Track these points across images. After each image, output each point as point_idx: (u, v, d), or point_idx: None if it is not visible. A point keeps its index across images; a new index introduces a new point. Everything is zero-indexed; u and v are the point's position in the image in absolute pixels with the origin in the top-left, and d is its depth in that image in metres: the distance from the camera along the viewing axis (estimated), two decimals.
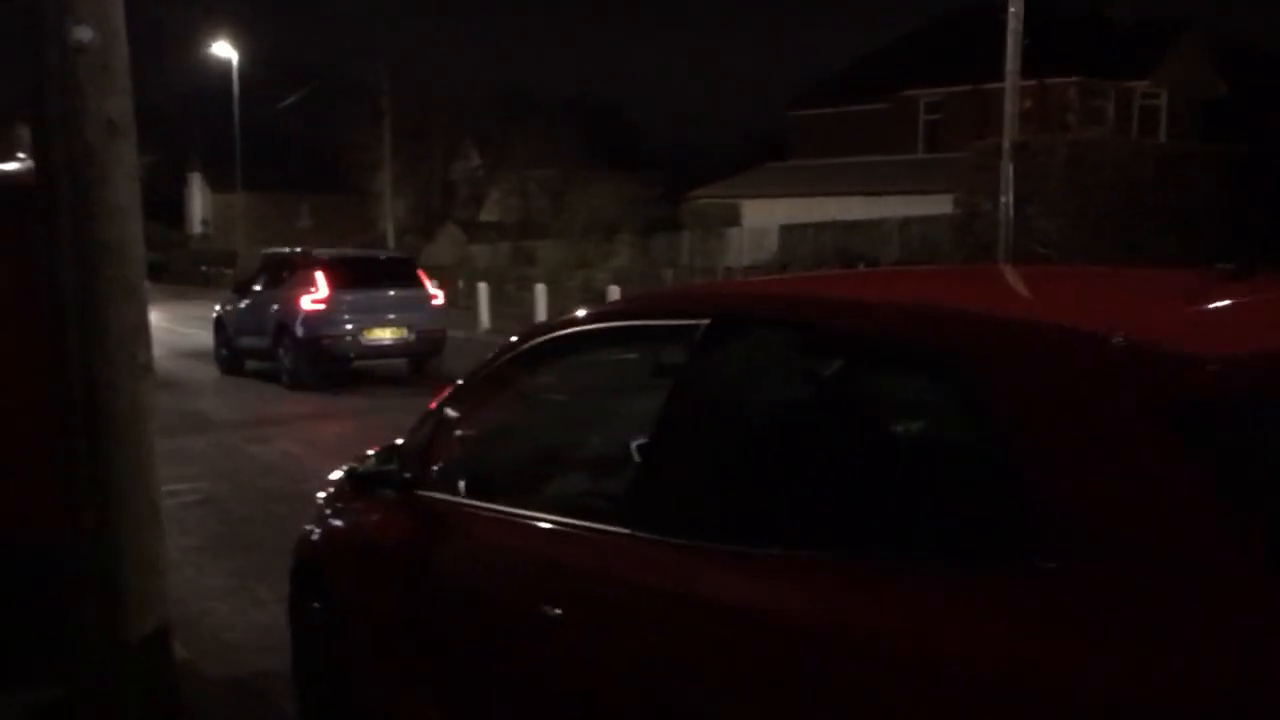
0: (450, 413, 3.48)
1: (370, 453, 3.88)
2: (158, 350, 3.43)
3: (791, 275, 5.51)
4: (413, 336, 15.34)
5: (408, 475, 3.44)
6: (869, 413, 2.49)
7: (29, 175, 4.14)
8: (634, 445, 3.26)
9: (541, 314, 23.67)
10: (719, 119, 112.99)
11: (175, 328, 26.90)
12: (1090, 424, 1.85)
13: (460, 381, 3.54)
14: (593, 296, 28.21)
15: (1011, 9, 18.07)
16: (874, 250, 24.92)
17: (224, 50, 45.26)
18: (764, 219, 30.59)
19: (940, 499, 2.12)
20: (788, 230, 27.99)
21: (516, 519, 2.98)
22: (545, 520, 2.88)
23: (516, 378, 3.47)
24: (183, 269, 56.62)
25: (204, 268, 31.03)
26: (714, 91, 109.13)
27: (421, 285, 15.81)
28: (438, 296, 15.94)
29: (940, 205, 24.41)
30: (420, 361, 15.97)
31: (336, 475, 4.15)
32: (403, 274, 16.04)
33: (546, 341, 3.24)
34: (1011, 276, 3.42)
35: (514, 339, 3.38)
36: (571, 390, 3.82)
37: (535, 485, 3.42)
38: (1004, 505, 1.91)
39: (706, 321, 2.65)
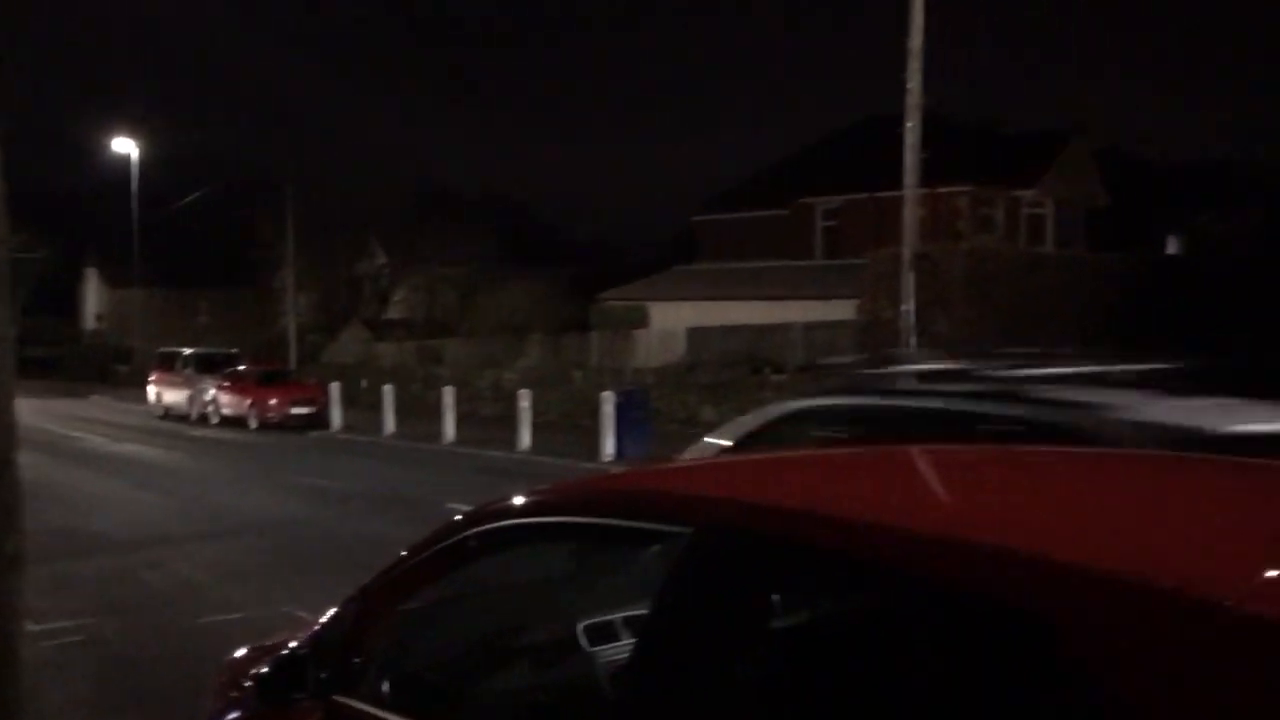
0: (376, 599, 2.95)
1: (261, 645, 3.39)
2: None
3: (803, 454, 3.89)
4: None
5: (324, 675, 2.86)
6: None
7: None
8: (580, 628, 3.07)
9: (450, 417, 23.46)
10: (639, 221, 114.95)
11: (58, 430, 26.13)
12: None
13: (387, 565, 3.00)
14: (502, 397, 28.14)
15: (909, 123, 18.76)
16: (780, 355, 25.39)
17: (124, 145, 44.94)
18: (671, 321, 30.97)
19: None
20: (694, 333, 28.39)
21: None
22: None
23: (451, 564, 2.92)
24: (75, 365, 55.13)
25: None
26: (633, 194, 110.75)
27: None
28: None
29: (840, 309, 25.00)
30: None
31: (240, 653, 3.61)
32: None
33: (485, 533, 2.72)
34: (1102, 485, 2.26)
35: (449, 525, 2.85)
36: (516, 565, 3.39)
37: (472, 692, 3.03)
38: None
39: (689, 531, 2.03)
